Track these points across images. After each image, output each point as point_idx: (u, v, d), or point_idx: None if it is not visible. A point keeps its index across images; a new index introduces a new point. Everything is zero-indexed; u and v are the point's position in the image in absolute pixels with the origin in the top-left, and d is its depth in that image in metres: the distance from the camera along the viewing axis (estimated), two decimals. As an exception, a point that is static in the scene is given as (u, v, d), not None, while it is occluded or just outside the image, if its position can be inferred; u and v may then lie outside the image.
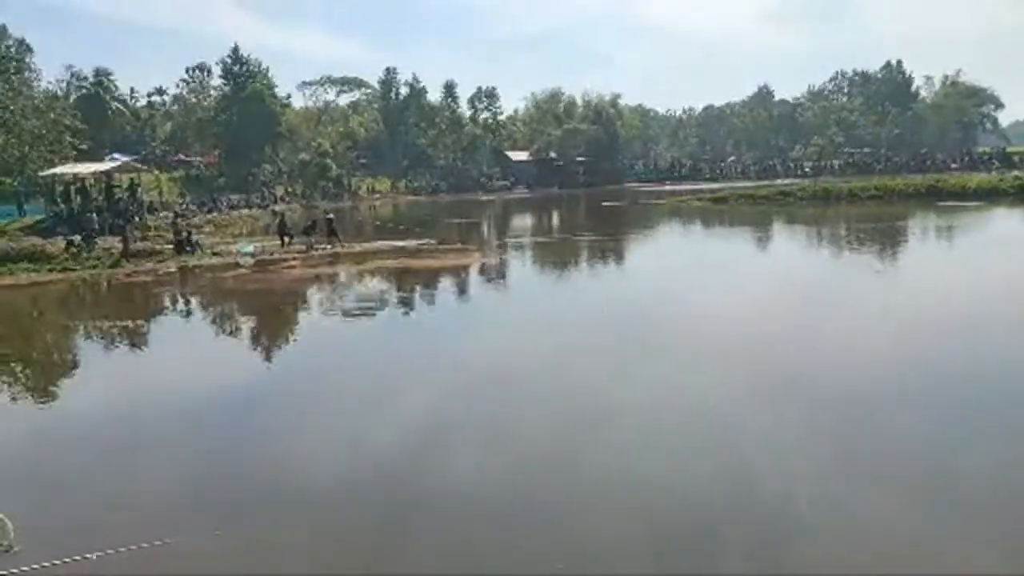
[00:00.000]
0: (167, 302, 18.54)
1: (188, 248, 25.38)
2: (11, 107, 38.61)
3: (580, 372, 10.20)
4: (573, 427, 8.06)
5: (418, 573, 5.46)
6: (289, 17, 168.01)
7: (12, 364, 12.42)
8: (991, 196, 36.42)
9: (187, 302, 18.56)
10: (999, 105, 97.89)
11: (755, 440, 7.46)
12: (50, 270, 22.33)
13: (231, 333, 14.89)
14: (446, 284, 19.15)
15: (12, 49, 53.78)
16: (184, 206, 44.19)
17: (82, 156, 40.95)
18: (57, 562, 5.45)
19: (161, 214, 36.44)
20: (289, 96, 78.82)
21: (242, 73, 66.20)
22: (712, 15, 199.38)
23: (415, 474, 7.05)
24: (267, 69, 67.77)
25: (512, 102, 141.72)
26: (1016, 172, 49.48)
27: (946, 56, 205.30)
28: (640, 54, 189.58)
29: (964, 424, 7.71)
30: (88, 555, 5.51)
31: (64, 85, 67.39)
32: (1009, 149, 71.58)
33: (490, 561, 5.49)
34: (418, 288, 18.77)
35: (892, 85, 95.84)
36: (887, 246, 22.73)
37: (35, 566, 5.42)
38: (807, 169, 74.25)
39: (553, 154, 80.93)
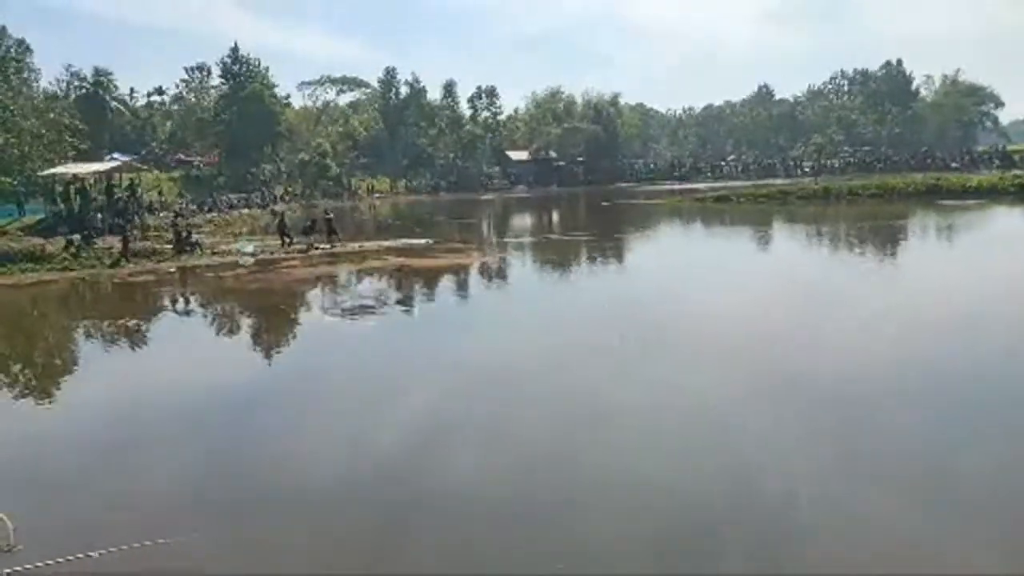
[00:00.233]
0: (167, 302, 18.54)
1: (188, 248, 25.38)
2: (11, 107, 38.61)
3: (579, 372, 10.19)
4: (572, 427, 8.06)
5: (418, 573, 5.46)
6: (289, 17, 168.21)
7: (12, 364, 12.42)
8: (991, 195, 36.41)
9: (187, 302, 18.56)
10: (999, 104, 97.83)
11: (755, 440, 7.46)
12: (50, 270, 22.33)
13: (231, 333, 14.89)
14: (446, 283, 19.15)
15: (12, 49, 53.83)
16: (184, 206, 44.16)
17: (82, 156, 40.91)
18: (59, 560, 5.44)
19: (161, 214, 36.43)
20: (288, 96, 78.82)
21: (242, 73, 66.14)
22: (712, 15, 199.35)
23: (414, 474, 7.05)
24: (267, 69, 67.75)
25: (512, 101, 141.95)
26: (1016, 171, 49.45)
27: (946, 55, 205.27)
28: (640, 54, 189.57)
29: (963, 424, 7.71)
30: (90, 553, 5.51)
31: (64, 85, 67.38)
32: (1009, 147, 71.53)
33: (490, 561, 5.49)
34: (418, 288, 18.76)
35: (892, 84, 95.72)
36: (888, 245, 22.73)
37: (35, 565, 5.42)
38: (807, 168, 74.20)
39: (553, 153, 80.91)
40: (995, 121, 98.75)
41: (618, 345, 11.43)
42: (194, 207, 45.04)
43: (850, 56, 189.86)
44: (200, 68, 76.59)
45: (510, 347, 11.93)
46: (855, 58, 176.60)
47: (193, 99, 76.66)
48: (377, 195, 67.05)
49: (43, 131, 38.70)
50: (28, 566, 5.42)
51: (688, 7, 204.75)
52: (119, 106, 70.64)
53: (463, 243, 27.72)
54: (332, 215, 28.56)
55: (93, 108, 61.98)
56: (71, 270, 22.38)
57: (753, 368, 9.92)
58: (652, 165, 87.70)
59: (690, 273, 19.61)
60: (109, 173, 35.67)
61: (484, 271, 20.91)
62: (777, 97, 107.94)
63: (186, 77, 77.48)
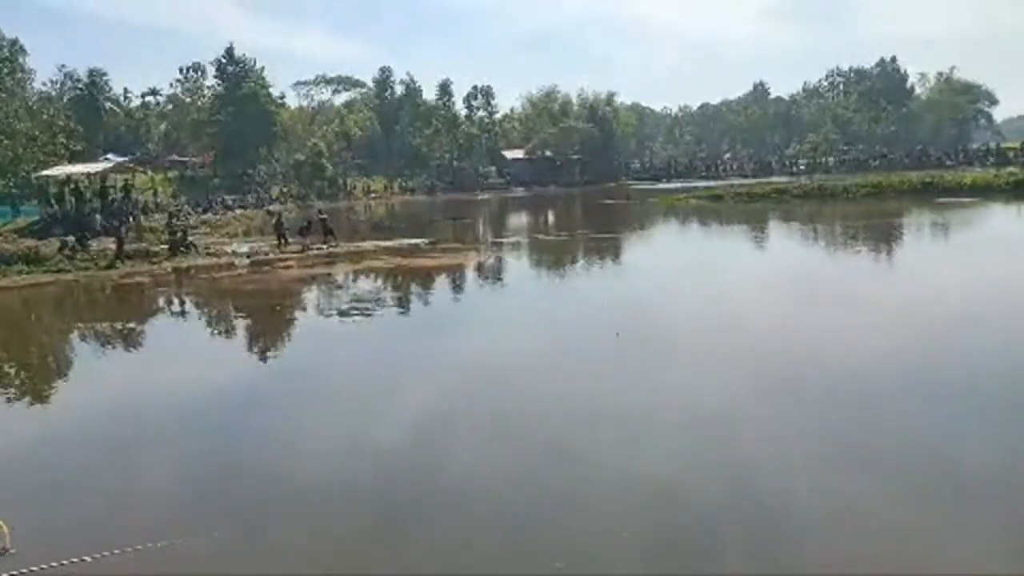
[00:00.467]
0: (162, 303, 18.47)
1: (183, 249, 25.29)
2: (4, 108, 38.49)
3: (577, 370, 10.17)
4: (570, 425, 8.03)
5: (416, 573, 5.43)
6: (284, 17, 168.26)
7: (6, 366, 12.36)
8: (986, 192, 36.52)
9: (182, 303, 18.49)
10: (993, 101, 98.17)
11: (754, 436, 7.44)
12: (44, 272, 22.21)
13: (227, 334, 14.83)
14: (442, 284, 19.11)
15: (5, 50, 53.64)
16: (179, 207, 44.05)
17: (76, 157, 40.84)
18: (54, 564, 5.40)
19: (156, 215, 36.33)
20: (284, 96, 78.83)
21: (237, 73, 66.07)
22: (708, 14, 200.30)
23: (412, 473, 7.02)
24: (262, 69, 67.76)
25: (508, 101, 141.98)
26: (1011, 168, 49.62)
27: (941, 53, 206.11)
28: (636, 53, 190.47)
29: (959, 421, 7.71)
30: (85, 557, 5.47)
31: (58, 86, 67.29)
32: (1003, 145, 71.76)
33: (489, 560, 5.46)
34: (414, 288, 18.72)
35: (887, 82, 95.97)
36: (884, 243, 22.75)
37: (30, 569, 5.37)
38: (803, 166, 74.38)
39: (549, 153, 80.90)
40: (989, 119, 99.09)
41: (614, 343, 11.41)
42: (189, 208, 44.94)
43: (846, 54, 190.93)
44: (195, 68, 76.50)
45: (506, 346, 11.90)
46: (851, 56, 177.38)
47: (188, 100, 76.50)
48: (373, 195, 66.99)
49: (37, 132, 38.62)
50: (24, 570, 5.37)
51: (684, 6, 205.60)
52: (113, 107, 70.53)
53: (459, 243, 27.69)
54: (327, 215, 28.51)
55: (87, 109, 61.89)
56: (66, 272, 22.27)
57: (749, 364, 9.90)
58: (648, 164, 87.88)
59: (687, 272, 19.59)
60: (103, 174, 35.61)
61: (480, 271, 20.88)
62: (773, 95, 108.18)
63: (180, 77, 77.41)
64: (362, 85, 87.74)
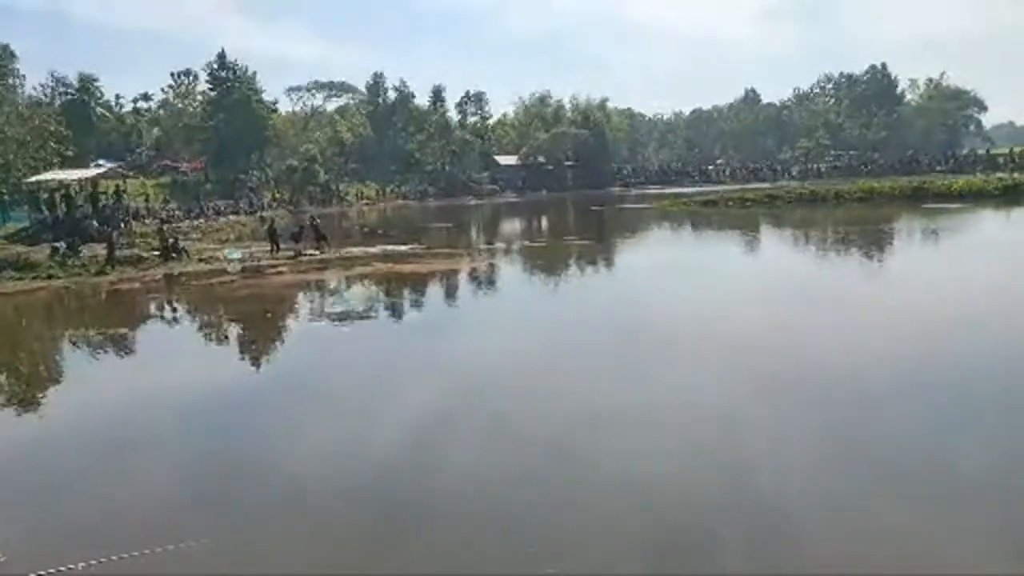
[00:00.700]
0: (154, 310, 18.38)
1: (174, 255, 25.19)
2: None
3: (571, 374, 10.16)
4: (564, 428, 8.02)
5: (413, 574, 5.41)
6: (277, 22, 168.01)
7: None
8: (976, 197, 36.76)
9: (174, 310, 18.40)
10: (982, 108, 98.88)
11: (751, 438, 7.45)
12: (34, 278, 22.09)
13: (219, 340, 14.77)
14: (435, 289, 19.09)
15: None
16: (170, 212, 43.89)
17: (67, 163, 40.58)
18: (42, 573, 5.35)
19: (147, 220, 36.20)
20: (276, 101, 78.60)
21: (229, 78, 65.90)
22: (702, 19, 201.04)
23: (407, 476, 7.00)
24: (254, 74, 67.58)
25: (501, 106, 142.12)
26: (1000, 174, 49.95)
27: (930, 59, 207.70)
28: (629, 58, 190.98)
29: (950, 423, 7.74)
30: (72, 565, 5.41)
31: (48, 91, 66.88)
32: (993, 151, 72.26)
33: (485, 561, 5.44)
34: (407, 293, 18.70)
35: (877, 88, 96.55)
36: (876, 248, 22.85)
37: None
38: (794, 172, 74.76)
39: (541, 158, 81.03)
40: (979, 125, 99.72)
41: (609, 347, 11.42)
42: (181, 213, 44.78)
43: (837, 60, 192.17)
44: (187, 73, 76.30)
45: (498, 351, 11.88)
46: (841, 62, 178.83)
47: (180, 105, 76.27)
48: (365, 201, 66.89)
49: (27, 138, 38.40)
50: (11, 578, 5.32)
51: (675, 12, 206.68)
52: (104, 112, 70.16)
53: (452, 248, 27.68)
54: (320, 221, 28.45)
55: (78, 114, 61.52)
56: (56, 278, 22.15)
57: (746, 366, 9.92)
58: (641, 169, 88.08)
59: (680, 277, 19.62)
60: (95, 180, 35.43)
61: (473, 276, 20.87)
62: (764, 101, 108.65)
63: (172, 83, 77.19)
64: (355, 91, 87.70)
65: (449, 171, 79.09)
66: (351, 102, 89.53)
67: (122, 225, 31.99)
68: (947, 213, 32.04)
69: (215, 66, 66.41)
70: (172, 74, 77.27)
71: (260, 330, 15.08)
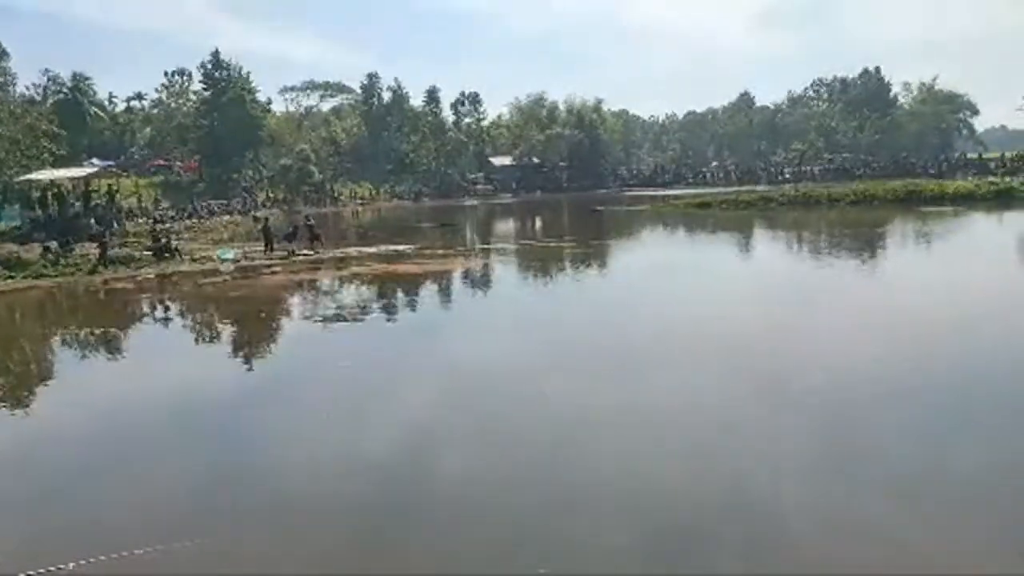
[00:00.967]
0: (146, 309, 18.29)
1: (167, 255, 25.08)
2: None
3: (560, 380, 10.14)
4: (557, 429, 8.01)
5: (408, 574, 5.40)
6: (272, 22, 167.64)
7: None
8: (968, 201, 36.96)
9: (166, 309, 18.32)
10: (975, 112, 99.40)
11: (744, 441, 7.46)
12: (25, 277, 21.97)
13: (210, 341, 14.71)
14: (429, 290, 19.06)
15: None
16: (162, 212, 43.78)
17: (59, 162, 40.41)
18: (31, 573, 5.30)
19: (140, 220, 36.07)
20: (271, 101, 78.52)
21: (223, 78, 65.72)
22: (695, 23, 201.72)
23: (398, 478, 6.97)
24: (248, 74, 67.43)
25: (496, 107, 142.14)
26: (992, 177, 50.17)
27: (924, 63, 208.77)
28: (624, 61, 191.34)
29: (939, 426, 7.76)
30: (61, 566, 5.37)
31: (41, 90, 66.63)
32: (985, 155, 72.58)
33: (479, 562, 5.43)
34: (401, 294, 18.66)
35: (870, 91, 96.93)
36: (869, 251, 22.94)
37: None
38: (788, 174, 74.95)
39: (536, 159, 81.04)
40: (971, 129, 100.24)
41: (603, 348, 11.42)
42: (174, 213, 44.65)
43: (829, 64, 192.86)
44: (180, 73, 76.09)
45: (492, 353, 11.87)
46: (833, 66, 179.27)
47: (173, 104, 76.03)
48: (360, 201, 66.79)
49: (19, 136, 38.19)
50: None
51: (670, 15, 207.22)
52: (98, 111, 69.92)
53: (446, 249, 27.65)
54: (314, 221, 28.38)
55: (71, 113, 61.28)
56: (48, 277, 22.03)
57: (742, 367, 9.94)
58: (635, 171, 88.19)
59: (671, 278, 19.65)
60: (87, 179, 35.30)
61: (467, 277, 20.85)
62: (758, 104, 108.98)
63: (166, 82, 76.95)
64: (349, 91, 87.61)
65: (444, 172, 79.05)
66: (346, 102, 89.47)
67: (115, 224, 31.86)
68: (939, 216, 32.19)
69: (209, 66, 66.24)
70: (166, 73, 77.16)
71: (253, 330, 15.02)
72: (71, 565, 5.40)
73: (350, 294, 18.90)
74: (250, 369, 12.03)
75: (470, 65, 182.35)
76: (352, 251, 26.61)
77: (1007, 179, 44.31)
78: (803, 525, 5.91)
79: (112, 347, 13.85)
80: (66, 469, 7.78)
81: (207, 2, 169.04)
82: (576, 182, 76.12)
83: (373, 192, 70.85)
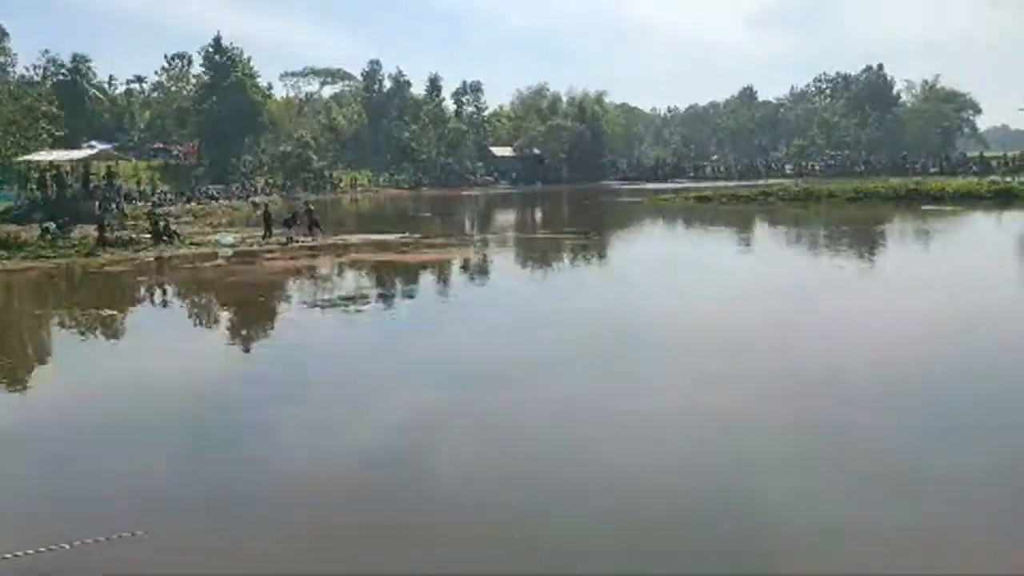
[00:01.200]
0: (143, 293, 18.25)
1: (165, 238, 25.01)
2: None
3: (561, 368, 10.15)
4: (554, 425, 8.02)
5: (406, 573, 5.38)
6: (274, 7, 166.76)
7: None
8: (969, 200, 36.89)
9: (164, 293, 18.28)
10: (977, 110, 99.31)
11: (740, 438, 7.47)
12: (24, 257, 21.90)
13: (207, 325, 14.69)
14: (427, 279, 19.04)
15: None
16: (161, 196, 43.65)
17: (58, 143, 40.19)
18: (7, 556, 5.25)
19: (138, 203, 35.97)
20: (271, 87, 78.19)
21: (223, 62, 65.35)
22: (698, 19, 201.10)
23: (392, 470, 6.97)
24: (249, 59, 67.07)
25: (497, 98, 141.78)
26: (993, 177, 50.15)
27: (927, 61, 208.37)
28: (626, 56, 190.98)
29: (926, 424, 7.78)
30: (30, 551, 5.27)
31: (40, 71, 66.20)
32: (986, 154, 72.56)
33: (473, 561, 5.43)
34: (399, 282, 18.64)
35: (873, 88, 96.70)
36: (867, 249, 22.94)
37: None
38: (788, 170, 74.90)
39: (537, 151, 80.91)
40: (973, 127, 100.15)
41: (600, 340, 11.41)
42: (173, 197, 44.52)
43: (832, 59, 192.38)
44: (181, 56, 75.73)
45: (489, 344, 11.87)
46: (836, 61, 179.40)
47: (173, 88, 75.68)
48: (359, 189, 66.64)
49: (18, 117, 37.97)
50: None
51: (673, 8, 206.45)
52: (97, 93, 69.56)
53: (445, 239, 27.61)
54: (314, 207, 28.32)
55: (71, 95, 60.85)
56: (46, 258, 21.96)
57: (741, 362, 9.94)
58: (636, 164, 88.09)
59: (668, 271, 19.64)
60: (86, 161, 35.13)
61: (466, 267, 20.82)
62: (760, 99, 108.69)
63: (166, 65, 76.59)
64: (350, 78, 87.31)
65: (444, 161, 78.86)
66: (346, 89, 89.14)
67: (113, 207, 31.76)
68: (939, 215, 32.16)
69: (210, 49, 65.87)
70: (166, 56, 76.80)
71: (249, 317, 15.00)
72: (66, 547, 5.36)
73: (349, 282, 18.86)
74: (247, 352, 12.01)
75: (469, 62, 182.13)
76: (351, 239, 26.56)
77: (1008, 179, 44.27)
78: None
79: (108, 329, 13.82)
80: (48, 452, 7.76)
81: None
82: (576, 174, 76.01)
83: (371, 180, 70.66)
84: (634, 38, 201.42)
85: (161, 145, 67.44)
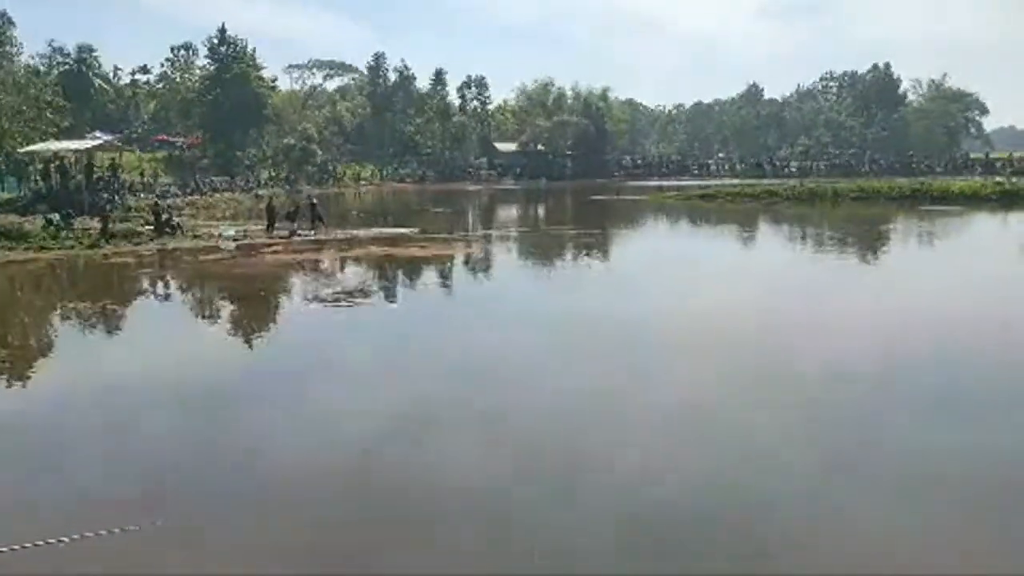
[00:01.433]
0: (146, 285, 18.28)
1: (168, 230, 25.02)
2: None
3: (562, 363, 10.15)
4: (553, 420, 8.02)
5: (403, 572, 5.39)
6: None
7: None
8: (973, 201, 36.77)
9: (166, 285, 18.31)
10: (984, 111, 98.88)
11: (739, 434, 7.47)
12: (26, 249, 21.93)
13: (209, 318, 14.70)
14: (430, 274, 19.04)
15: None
16: (164, 188, 43.66)
17: (63, 134, 40.23)
18: (4, 549, 5.25)
19: (142, 195, 35.99)
20: (276, 79, 78.02)
21: (228, 54, 65.25)
22: (704, 12, 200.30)
23: (390, 463, 6.98)
24: (254, 50, 66.97)
25: (502, 92, 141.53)
26: (998, 178, 49.97)
27: (934, 61, 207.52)
28: (632, 52, 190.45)
29: (914, 423, 7.77)
30: (28, 544, 5.27)
31: (46, 61, 66.26)
32: (992, 155, 72.31)
33: (467, 560, 5.44)
34: (402, 277, 18.63)
35: (879, 87, 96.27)
36: (871, 249, 22.89)
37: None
38: (794, 169, 74.70)
39: (541, 146, 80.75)
40: (979, 128, 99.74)
41: (600, 336, 11.40)
42: (176, 189, 44.54)
43: (839, 58, 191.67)
44: (186, 47, 75.72)
45: (491, 340, 11.86)
46: (843, 60, 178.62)
47: (178, 79, 75.62)
48: (363, 182, 66.57)
49: (23, 107, 38.01)
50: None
51: (680, 4, 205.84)
52: (102, 84, 69.56)
53: (449, 234, 27.59)
54: (317, 201, 28.31)
55: (76, 85, 60.91)
56: (49, 250, 21.99)
57: (731, 362, 9.93)
58: (640, 161, 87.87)
59: (669, 268, 19.63)
60: (90, 152, 35.12)
61: (469, 262, 20.81)
62: (766, 97, 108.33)
63: (171, 56, 76.55)
64: (355, 71, 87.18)
65: (448, 155, 78.73)
66: (351, 82, 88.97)
67: (116, 198, 31.77)
68: (944, 215, 32.08)
69: (215, 41, 65.77)
70: (171, 48, 76.74)
71: (252, 310, 15.01)
72: (56, 542, 5.34)
73: (352, 276, 18.86)
74: (248, 346, 12.03)
75: (473, 55, 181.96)
76: (354, 233, 26.55)
77: (1014, 180, 44.07)
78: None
79: (110, 322, 13.84)
80: (56, 440, 7.78)
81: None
82: (580, 170, 75.83)
83: (374, 173, 70.59)
84: (640, 33, 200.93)
85: (165, 137, 67.44)
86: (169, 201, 35.66)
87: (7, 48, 55.60)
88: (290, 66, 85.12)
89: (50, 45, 66.66)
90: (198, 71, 72.61)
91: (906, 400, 8.65)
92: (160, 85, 77.41)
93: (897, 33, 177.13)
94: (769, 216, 33.70)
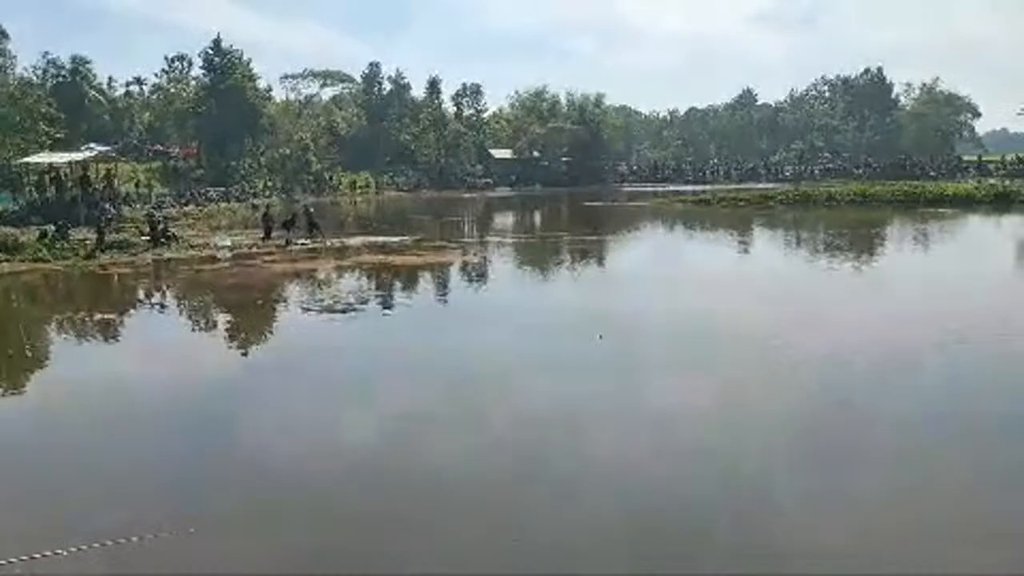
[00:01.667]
0: (141, 295, 18.24)
1: (163, 241, 24.97)
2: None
3: (560, 369, 10.14)
4: (551, 423, 8.02)
5: (401, 572, 5.37)
6: (273, 9, 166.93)
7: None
8: (967, 203, 36.98)
9: (163, 295, 18.27)
10: (976, 114, 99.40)
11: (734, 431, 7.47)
12: (22, 260, 21.85)
13: (205, 328, 14.66)
14: (427, 282, 19.02)
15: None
16: (160, 198, 43.62)
17: (57, 145, 40.17)
18: (12, 559, 5.23)
19: (137, 206, 35.94)
20: (271, 89, 78.12)
21: (223, 64, 65.30)
22: (696, 18, 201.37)
23: (386, 472, 6.96)
24: (248, 61, 67.05)
25: (497, 100, 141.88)
26: (992, 180, 50.26)
27: (926, 64, 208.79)
28: (625, 57, 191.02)
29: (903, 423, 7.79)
30: (36, 555, 5.25)
31: (40, 72, 66.13)
32: (985, 157, 72.70)
33: (465, 560, 5.42)
34: (398, 285, 18.62)
35: (872, 91, 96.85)
36: (866, 251, 22.96)
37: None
38: (788, 173, 74.99)
39: (536, 153, 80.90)
40: (972, 131, 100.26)
41: (597, 342, 11.40)
42: (172, 199, 44.49)
43: (836, 62, 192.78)
44: (180, 58, 75.72)
45: (488, 347, 11.85)
46: (836, 65, 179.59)
47: (173, 90, 75.60)
48: (359, 191, 66.56)
49: (17, 119, 37.96)
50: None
51: (672, 10, 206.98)
52: (96, 95, 69.47)
53: (445, 241, 27.60)
54: (313, 210, 28.31)
55: (70, 96, 60.74)
56: (45, 261, 21.92)
57: (739, 363, 9.94)
58: (635, 167, 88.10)
59: (670, 276, 19.65)
60: (85, 163, 35.09)
61: (465, 270, 20.81)
62: (760, 102, 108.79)
63: (166, 67, 76.57)
64: (350, 80, 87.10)
65: (443, 163, 78.82)
66: (346, 91, 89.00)
67: (111, 209, 31.72)
68: (938, 218, 32.22)
69: (210, 51, 65.84)
70: (166, 58, 76.75)
71: (248, 320, 14.97)
72: (64, 553, 5.34)
73: (348, 284, 18.85)
74: (245, 355, 12.00)
75: (458, 61, 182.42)
76: (350, 241, 26.54)
77: (1007, 182, 44.35)
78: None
79: (107, 332, 13.79)
80: (52, 452, 7.74)
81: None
82: (576, 177, 75.94)
83: (372, 182, 70.59)
84: (635, 39, 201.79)
85: (160, 147, 67.36)
86: (165, 212, 35.64)
87: (1, 60, 55.57)
88: (285, 76, 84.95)
89: (44, 56, 66.61)
90: (193, 82, 72.65)
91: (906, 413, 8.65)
92: (155, 96, 77.37)
93: (889, 38, 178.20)
94: (764, 221, 33.79)
